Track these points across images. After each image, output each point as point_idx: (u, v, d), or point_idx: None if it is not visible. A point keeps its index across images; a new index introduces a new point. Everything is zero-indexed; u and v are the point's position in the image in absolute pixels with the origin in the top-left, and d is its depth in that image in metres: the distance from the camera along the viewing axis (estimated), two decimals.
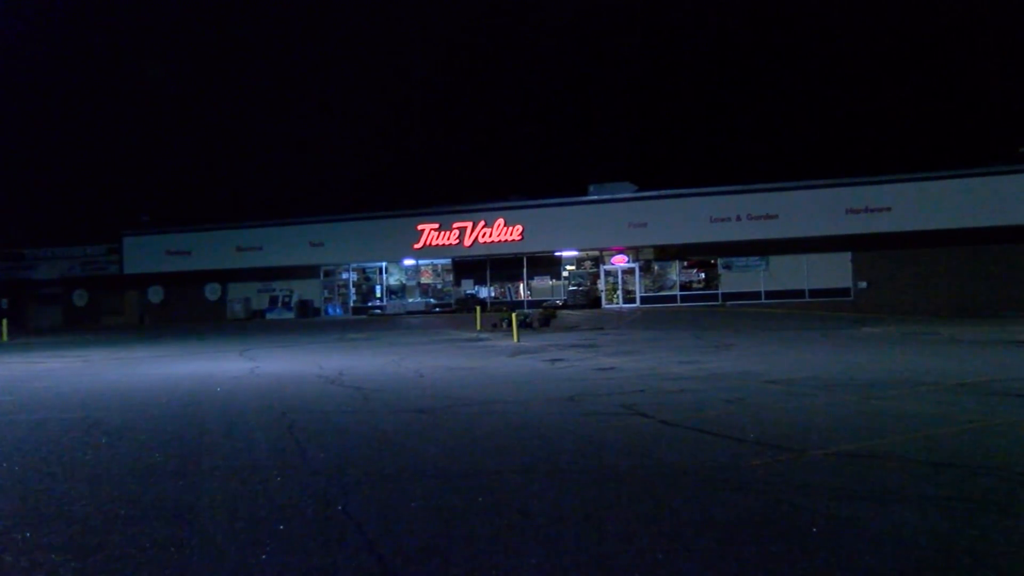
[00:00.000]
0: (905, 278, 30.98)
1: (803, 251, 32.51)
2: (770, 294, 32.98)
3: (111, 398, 10.73)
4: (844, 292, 32.16)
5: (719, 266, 34.22)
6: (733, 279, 33.87)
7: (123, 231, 40.58)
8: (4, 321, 28.89)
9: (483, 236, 35.28)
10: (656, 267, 35.38)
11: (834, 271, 32.41)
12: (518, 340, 19.71)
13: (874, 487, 5.17)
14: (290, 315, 37.80)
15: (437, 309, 36.66)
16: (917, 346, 15.99)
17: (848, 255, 32.32)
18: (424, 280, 38.63)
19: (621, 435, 7.06)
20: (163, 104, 62.39)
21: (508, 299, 36.27)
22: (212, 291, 39.74)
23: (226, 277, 39.27)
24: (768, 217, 32.08)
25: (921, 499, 4.88)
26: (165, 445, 7.19)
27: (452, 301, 37.04)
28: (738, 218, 32.42)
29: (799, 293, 32.66)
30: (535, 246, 35.12)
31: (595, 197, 35.06)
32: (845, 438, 6.71)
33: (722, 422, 7.54)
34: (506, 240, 35.07)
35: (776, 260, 33.26)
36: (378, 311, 37.27)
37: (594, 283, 36.10)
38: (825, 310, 30.12)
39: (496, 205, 36.19)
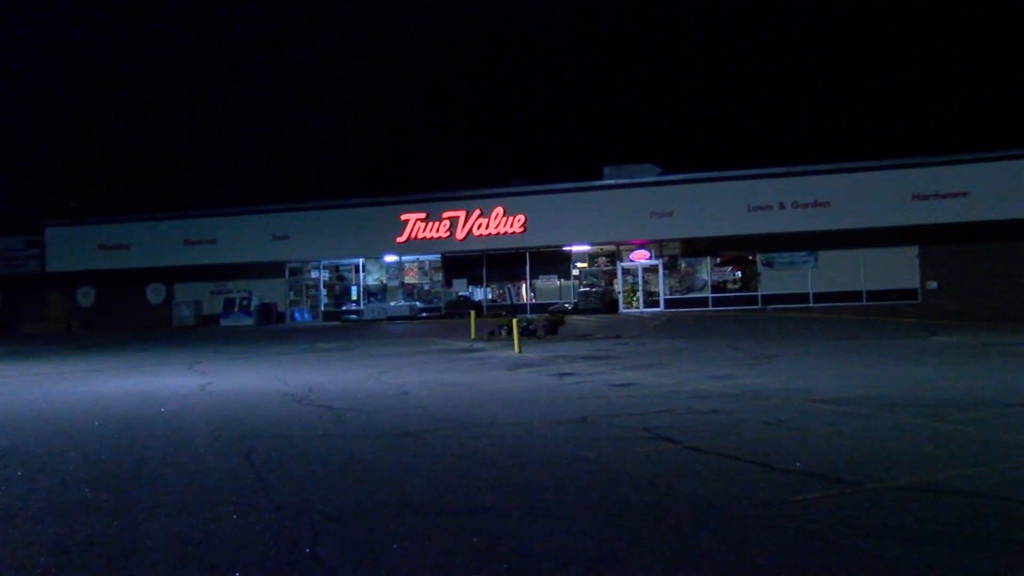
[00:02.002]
0: (984, 277, 30.93)
1: (860, 245, 32.50)
2: (820, 296, 32.98)
3: (30, 422, 10.72)
4: (910, 294, 32.15)
5: (759, 263, 34.22)
6: (775, 278, 33.87)
7: (46, 221, 40.59)
8: None
9: (478, 228, 35.31)
10: (683, 264, 35.39)
11: (898, 269, 32.40)
12: (519, 351, 19.77)
13: (948, 528, 5.15)
14: (249, 321, 37.85)
15: (424, 314, 36.70)
16: (998, 359, 15.97)
17: (915, 250, 32.31)
18: (408, 280, 38.66)
19: (642, 464, 7.07)
20: (96, 72, 62.51)
21: (508, 302, 36.28)
22: (155, 293, 39.76)
23: (172, 276, 39.30)
24: (817, 205, 32.09)
25: (1006, 544, 4.86)
26: (97, 478, 7.18)
27: (442, 304, 37.06)
28: (781, 206, 32.43)
29: (855, 295, 32.65)
30: (540, 239, 35.15)
31: (611, 182, 35.08)
32: (911, 469, 6.70)
33: (762, 449, 7.54)
34: (505, 232, 35.10)
35: (827, 256, 33.27)
36: (354, 316, 37.31)
37: (610, 283, 36.11)
38: (887, 315, 30.12)
39: (494, 191, 36.19)
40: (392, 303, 37.64)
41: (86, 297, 40.55)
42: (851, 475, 6.47)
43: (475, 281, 37.31)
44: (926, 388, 11.54)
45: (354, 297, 38.89)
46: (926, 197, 31.09)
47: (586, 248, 36.25)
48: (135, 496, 6.48)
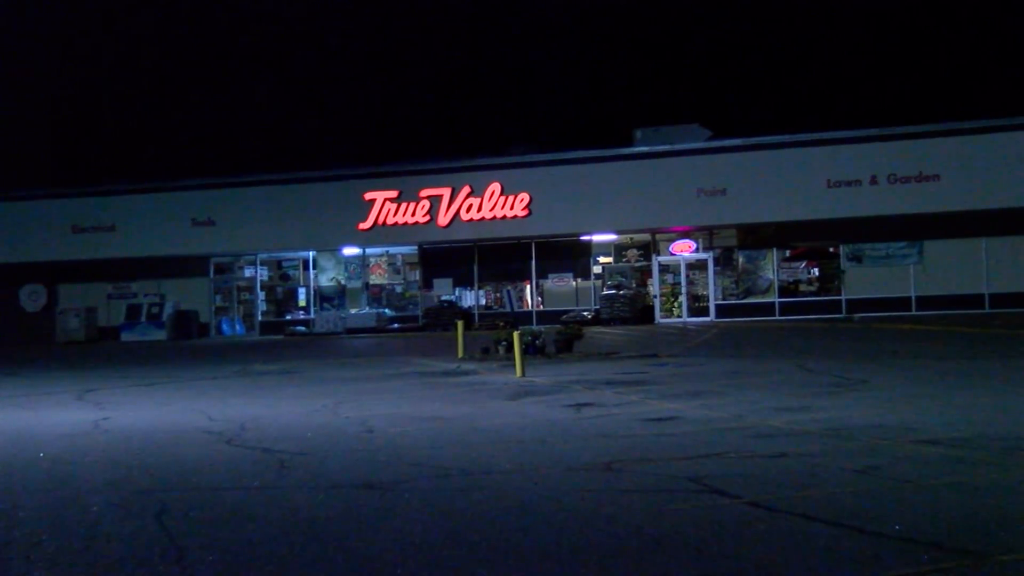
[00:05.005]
0: None
1: (979, 233, 32.50)
2: (925, 301, 32.96)
3: None
4: None
5: (843, 257, 34.24)
6: (865, 278, 33.89)
7: None
8: None
9: (467, 210, 35.32)
10: (741, 259, 35.41)
11: None
12: (523, 374, 19.77)
13: None
14: (160, 335, 37.86)
15: (395, 325, 36.72)
16: None
17: None
18: (375, 280, 38.67)
19: (686, 524, 7.06)
20: None
21: (507, 309, 36.32)
22: (31, 297, 39.75)
23: (55, 274, 39.31)
24: (922, 179, 32.10)
25: None
26: None
27: (419, 312, 37.07)
28: (873, 180, 32.44)
29: (973, 300, 32.62)
30: (549, 226, 35.17)
31: (644, 149, 35.12)
32: None
33: (848, 506, 7.52)
34: (504, 217, 35.12)
35: (935, 247, 33.27)
36: (302, 328, 37.34)
37: (643, 284, 36.13)
38: (1017, 327, 30.10)
39: (488, 162, 36.24)
40: (353, 311, 37.65)
41: None
42: (971, 543, 6.44)
43: (463, 281, 37.32)
44: None
45: (302, 303, 38.92)
46: None
47: (611, 238, 36.28)
48: (1, 573, 6.45)
